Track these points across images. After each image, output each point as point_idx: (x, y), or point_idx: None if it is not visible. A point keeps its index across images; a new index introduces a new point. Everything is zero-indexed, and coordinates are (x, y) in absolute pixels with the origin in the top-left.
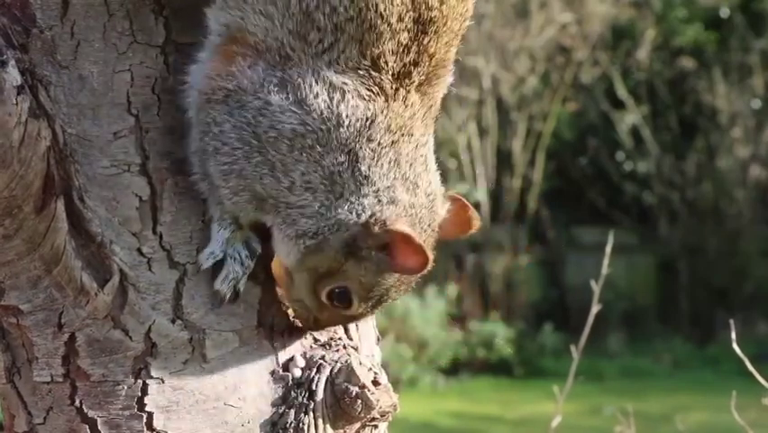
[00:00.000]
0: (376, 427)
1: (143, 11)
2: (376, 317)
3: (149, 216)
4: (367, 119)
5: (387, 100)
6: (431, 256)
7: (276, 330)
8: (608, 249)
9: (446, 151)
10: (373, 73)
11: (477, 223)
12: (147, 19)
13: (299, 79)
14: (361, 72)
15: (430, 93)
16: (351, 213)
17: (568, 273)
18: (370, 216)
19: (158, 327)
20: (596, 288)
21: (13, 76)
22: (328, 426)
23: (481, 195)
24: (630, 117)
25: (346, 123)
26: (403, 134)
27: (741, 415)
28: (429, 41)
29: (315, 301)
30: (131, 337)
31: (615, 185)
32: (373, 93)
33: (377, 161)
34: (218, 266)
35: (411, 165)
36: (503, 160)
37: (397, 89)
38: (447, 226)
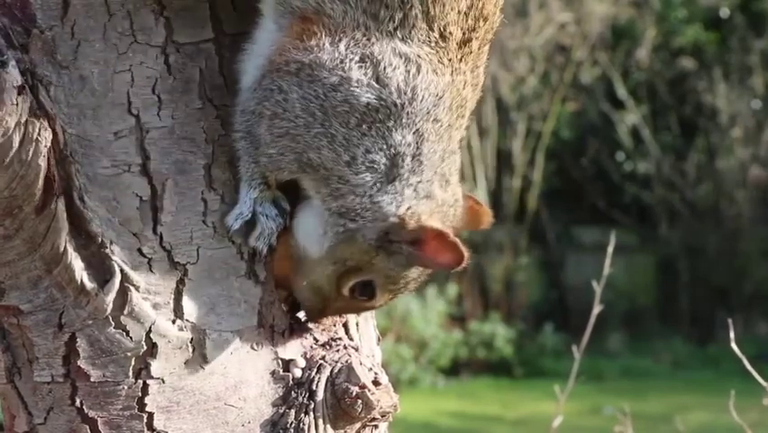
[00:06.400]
0: (376, 427)
1: (143, 11)
2: (376, 317)
3: (149, 216)
4: (437, 95)
5: (452, 74)
6: (467, 253)
7: (276, 330)
8: (610, 249)
9: None
10: (441, 44)
11: (489, 219)
12: (147, 19)
13: (380, 56)
14: (431, 44)
15: (478, 70)
16: (391, 203)
17: (568, 273)
18: (407, 209)
19: (158, 328)
20: (597, 288)
21: (14, 76)
22: (328, 426)
23: (481, 195)
24: (630, 117)
25: (419, 97)
26: (458, 117)
27: (741, 415)
28: (484, 5)
29: (333, 293)
30: (131, 338)
31: (615, 185)
32: (443, 65)
33: (436, 145)
34: (248, 226)
35: (448, 162)
36: (503, 160)
37: (460, 60)
38: (462, 222)
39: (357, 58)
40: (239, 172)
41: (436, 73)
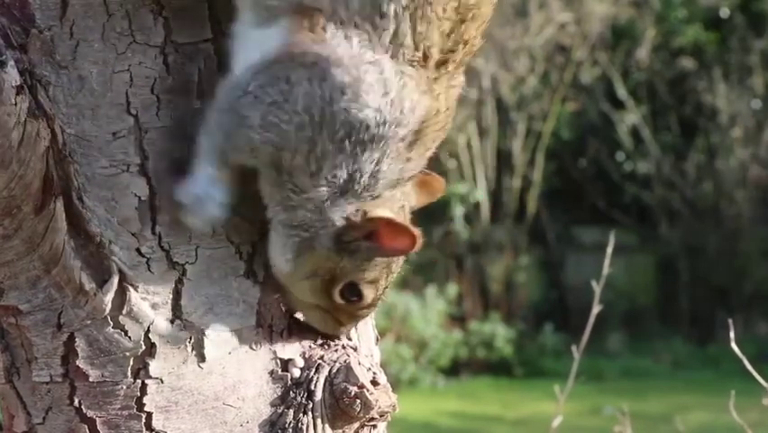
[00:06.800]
0: (375, 427)
1: (142, 11)
2: (376, 317)
3: (148, 216)
4: (418, 117)
5: (428, 93)
6: (417, 234)
7: (275, 330)
8: (610, 249)
9: (446, 151)
10: (423, 63)
11: (441, 185)
12: (146, 19)
13: (383, 65)
14: (414, 65)
15: (452, 90)
16: (338, 212)
17: (568, 273)
18: (353, 209)
19: (157, 327)
20: (596, 288)
21: (13, 76)
22: (327, 426)
23: (481, 195)
24: (630, 117)
25: (405, 121)
26: (432, 139)
27: (742, 415)
28: (465, 29)
29: (330, 306)
30: (130, 337)
31: (615, 185)
32: (423, 85)
33: (394, 163)
34: (198, 203)
35: (404, 186)
36: (503, 160)
37: (435, 80)
38: (415, 198)
39: (367, 58)
40: (199, 144)
41: (418, 93)
